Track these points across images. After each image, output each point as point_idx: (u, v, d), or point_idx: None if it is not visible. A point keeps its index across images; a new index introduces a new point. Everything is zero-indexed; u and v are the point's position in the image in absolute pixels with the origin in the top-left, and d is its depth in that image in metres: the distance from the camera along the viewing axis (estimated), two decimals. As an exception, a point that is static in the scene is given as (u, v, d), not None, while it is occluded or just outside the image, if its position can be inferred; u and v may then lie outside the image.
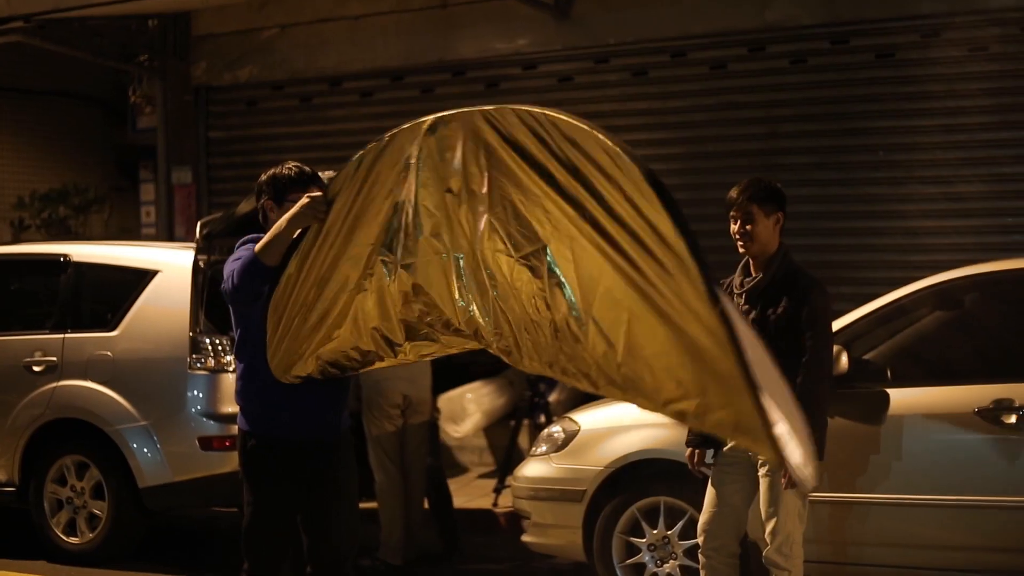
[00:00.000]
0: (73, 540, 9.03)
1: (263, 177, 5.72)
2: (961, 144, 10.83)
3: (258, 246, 5.34)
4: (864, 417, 6.79)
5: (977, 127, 10.75)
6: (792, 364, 6.02)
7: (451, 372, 11.52)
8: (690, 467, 6.56)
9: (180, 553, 9.51)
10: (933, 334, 7.32)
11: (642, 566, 7.34)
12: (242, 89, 14.50)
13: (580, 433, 7.63)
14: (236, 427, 8.30)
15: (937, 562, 6.68)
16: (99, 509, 8.95)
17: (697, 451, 6.49)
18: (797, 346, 6.07)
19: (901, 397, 6.78)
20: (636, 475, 7.35)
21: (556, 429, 7.86)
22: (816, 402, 6.04)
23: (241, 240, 5.62)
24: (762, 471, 6.19)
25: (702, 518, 6.42)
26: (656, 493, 7.28)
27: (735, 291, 6.31)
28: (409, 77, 13.40)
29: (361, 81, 13.69)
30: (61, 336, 9.16)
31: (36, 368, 9.16)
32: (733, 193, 6.29)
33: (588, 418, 7.74)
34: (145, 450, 8.73)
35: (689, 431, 6.51)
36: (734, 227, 6.27)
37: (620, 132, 12.13)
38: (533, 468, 7.85)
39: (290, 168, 5.71)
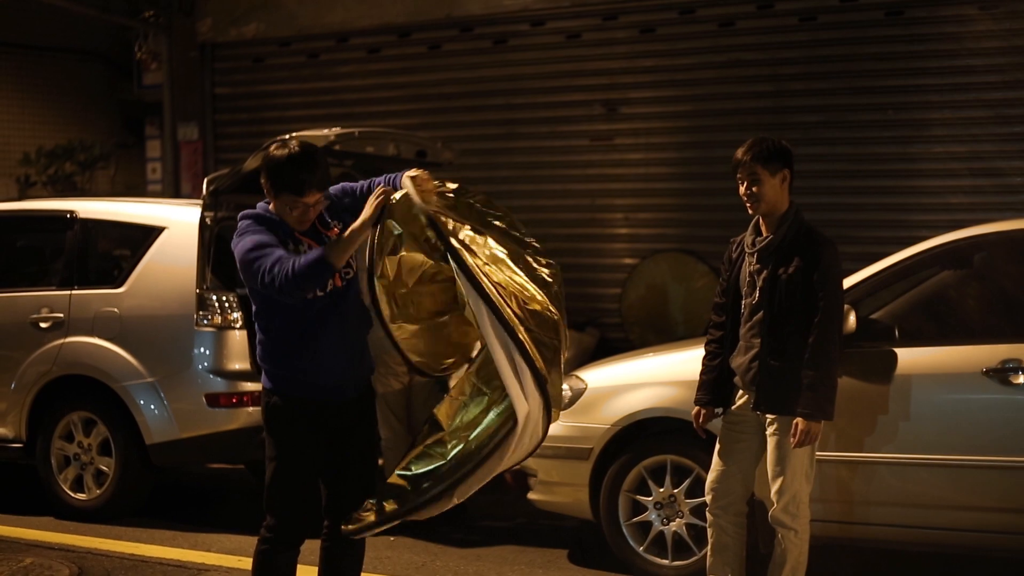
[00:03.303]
0: (80, 496, 9.06)
1: (264, 158, 5.48)
2: (970, 103, 10.80)
3: (337, 253, 5.26)
4: (872, 376, 6.78)
5: (986, 86, 10.72)
6: (803, 323, 6.03)
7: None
8: (695, 425, 6.56)
9: (187, 510, 9.53)
10: (941, 294, 7.30)
11: (648, 524, 7.35)
12: (248, 45, 14.48)
13: (587, 391, 7.62)
14: (242, 384, 8.46)
15: (944, 522, 6.68)
16: (106, 465, 8.97)
17: (704, 410, 6.50)
18: (808, 305, 6.05)
19: (909, 357, 6.76)
20: (643, 433, 7.35)
21: (563, 387, 7.85)
22: (828, 361, 6.04)
23: (241, 215, 5.52)
24: (770, 430, 6.19)
25: (709, 477, 6.42)
26: (663, 451, 7.27)
27: (747, 250, 6.29)
28: (416, 33, 13.38)
29: (368, 37, 13.67)
30: (68, 293, 9.16)
31: (43, 325, 9.16)
32: (738, 154, 6.24)
33: (595, 376, 7.74)
34: (152, 407, 8.74)
35: (698, 390, 6.51)
36: (741, 188, 6.23)
37: (628, 89, 12.25)
38: (540, 426, 7.84)
39: (288, 161, 5.38)
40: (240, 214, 5.55)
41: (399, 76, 13.49)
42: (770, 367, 6.13)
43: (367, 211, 5.32)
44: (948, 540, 6.77)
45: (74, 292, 9.14)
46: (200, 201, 8.90)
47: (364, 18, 13.56)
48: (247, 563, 7.48)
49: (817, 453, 6.35)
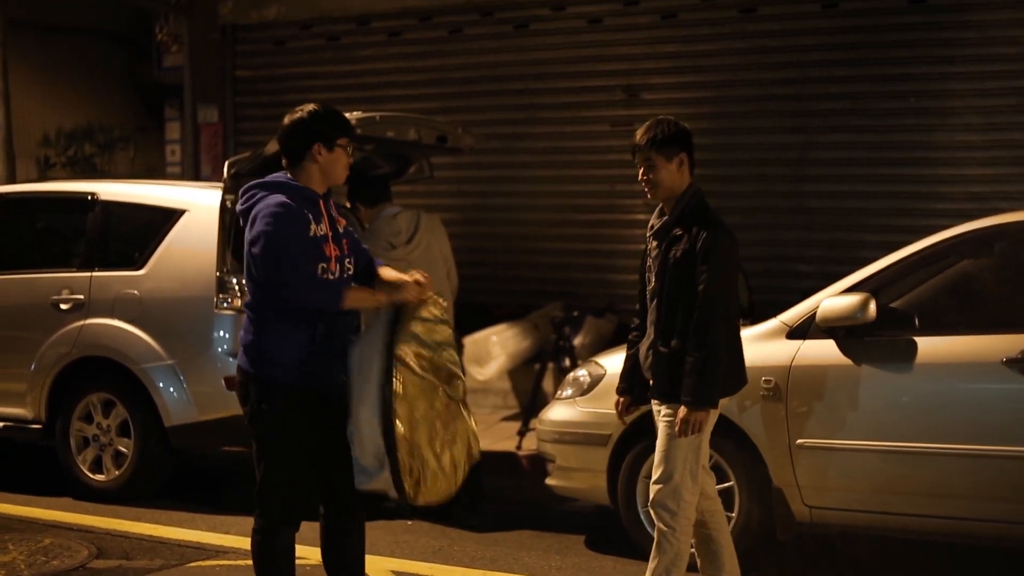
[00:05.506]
0: (99, 477, 9.09)
1: (304, 117, 5.65)
2: (993, 92, 10.75)
3: (352, 300, 5.56)
4: (891, 365, 6.76)
5: (1011, 74, 10.66)
6: (691, 307, 5.83)
7: (476, 314, 11.55)
8: (616, 413, 6.47)
9: (205, 492, 9.55)
10: (962, 282, 7.28)
11: (666, 511, 7.34)
12: (269, 28, 14.47)
13: (606, 377, 7.61)
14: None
15: (962, 511, 6.65)
16: (125, 447, 9.00)
17: (622, 398, 6.40)
18: (695, 283, 5.84)
19: (928, 345, 6.74)
20: (661, 420, 7.33)
21: (582, 372, 7.85)
22: (710, 346, 5.79)
23: (256, 186, 5.60)
24: (660, 422, 6.02)
25: None
26: (681, 438, 7.26)
27: (648, 233, 6.17)
28: (437, 17, 13.35)
29: (389, 21, 13.64)
30: (88, 274, 9.18)
31: (63, 306, 9.18)
32: (635, 137, 6.06)
33: (614, 362, 7.70)
34: (171, 389, 8.77)
35: (620, 379, 6.43)
36: (639, 174, 6.07)
37: (649, 75, 12.21)
38: (558, 411, 7.85)
39: (332, 111, 5.71)
40: (255, 184, 5.60)
41: (420, 60, 13.47)
42: (659, 354, 5.97)
43: (397, 295, 5.61)
44: (966, 530, 6.75)
45: (94, 274, 9.16)
46: (221, 184, 8.91)
47: (386, 1, 13.54)
48: (265, 546, 7.51)
49: (836, 441, 6.33)
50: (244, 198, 5.60)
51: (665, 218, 6.06)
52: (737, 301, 6.12)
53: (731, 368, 6.02)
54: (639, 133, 6.04)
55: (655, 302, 6.02)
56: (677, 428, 5.85)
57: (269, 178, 5.63)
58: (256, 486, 5.69)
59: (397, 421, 5.41)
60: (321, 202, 5.60)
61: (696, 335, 5.80)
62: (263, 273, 5.43)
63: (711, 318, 5.81)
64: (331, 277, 5.54)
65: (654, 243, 6.10)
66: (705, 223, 5.93)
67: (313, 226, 5.49)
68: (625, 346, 6.50)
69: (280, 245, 5.39)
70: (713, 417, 5.97)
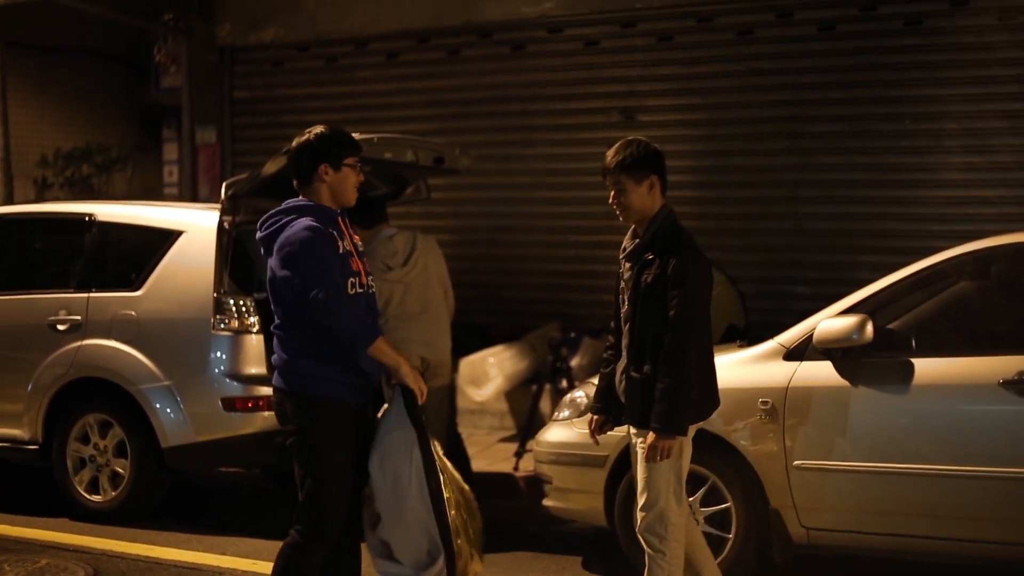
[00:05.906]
0: (95, 498, 9.08)
1: (310, 138, 5.74)
2: (988, 114, 10.77)
3: (378, 350, 5.62)
4: (888, 386, 6.77)
5: (1005, 97, 10.68)
6: (662, 331, 5.80)
7: (473, 335, 11.56)
8: (589, 432, 6.45)
9: (201, 513, 9.54)
10: (958, 304, 7.29)
11: (663, 532, 7.33)
12: (267, 49, 14.50)
13: (603, 398, 7.61)
14: (259, 388, 8.48)
15: (960, 533, 6.66)
16: (122, 468, 9.00)
17: (596, 417, 6.37)
18: (666, 308, 5.80)
19: (925, 367, 6.75)
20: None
21: (579, 394, 7.86)
22: (681, 371, 5.76)
23: (270, 215, 5.66)
24: (637, 445, 6.02)
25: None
26: (678, 460, 7.26)
27: (620, 255, 6.13)
28: (435, 39, 13.38)
29: (387, 42, 13.67)
30: (86, 295, 9.18)
31: (60, 327, 9.19)
32: (606, 158, 6.01)
33: (611, 384, 7.73)
34: (168, 410, 8.77)
35: (594, 398, 6.42)
36: (610, 197, 6.04)
37: (645, 97, 12.22)
38: (555, 433, 7.86)
39: (337, 131, 5.82)
40: (276, 211, 5.67)
41: (418, 81, 13.50)
42: (632, 379, 5.96)
43: (413, 380, 5.77)
44: (965, 551, 6.75)
45: (92, 295, 9.17)
46: (218, 205, 8.93)
47: (383, 23, 13.57)
48: (262, 566, 7.54)
49: (833, 462, 6.31)
50: (265, 225, 5.64)
51: (637, 241, 6.03)
52: (709, 324, 6.06)
53: (703, 393, 5.99)
54: (609, 155, 6.00)
55: (628, 326, 6.00)
56: (644, 454, 5.85)
57: (288, 203, 5.68)
58: (300, 503, 5.72)
59: (447, 505, 5.59)
60: (340, 219, 5.69)
61: (666, 362, 5.77)
62: (300, 298, 5.51)
63: (681, 344, 5.77)
64: (360, 291, 5.63)
65: (627, 265, 6.07)
66: (677, 247, 5.89)
67: (340, 243, 5.60)
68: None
69: (316, 272, 5.47)
70: (689, 441, 5.97)
